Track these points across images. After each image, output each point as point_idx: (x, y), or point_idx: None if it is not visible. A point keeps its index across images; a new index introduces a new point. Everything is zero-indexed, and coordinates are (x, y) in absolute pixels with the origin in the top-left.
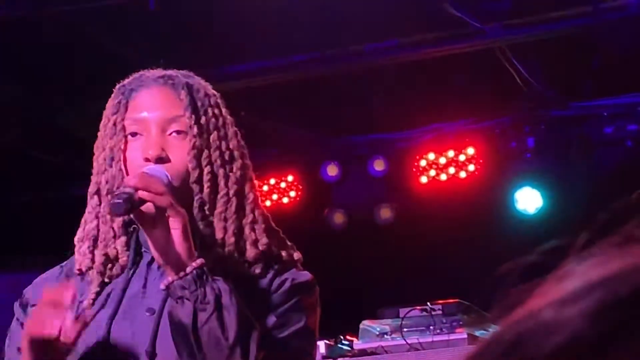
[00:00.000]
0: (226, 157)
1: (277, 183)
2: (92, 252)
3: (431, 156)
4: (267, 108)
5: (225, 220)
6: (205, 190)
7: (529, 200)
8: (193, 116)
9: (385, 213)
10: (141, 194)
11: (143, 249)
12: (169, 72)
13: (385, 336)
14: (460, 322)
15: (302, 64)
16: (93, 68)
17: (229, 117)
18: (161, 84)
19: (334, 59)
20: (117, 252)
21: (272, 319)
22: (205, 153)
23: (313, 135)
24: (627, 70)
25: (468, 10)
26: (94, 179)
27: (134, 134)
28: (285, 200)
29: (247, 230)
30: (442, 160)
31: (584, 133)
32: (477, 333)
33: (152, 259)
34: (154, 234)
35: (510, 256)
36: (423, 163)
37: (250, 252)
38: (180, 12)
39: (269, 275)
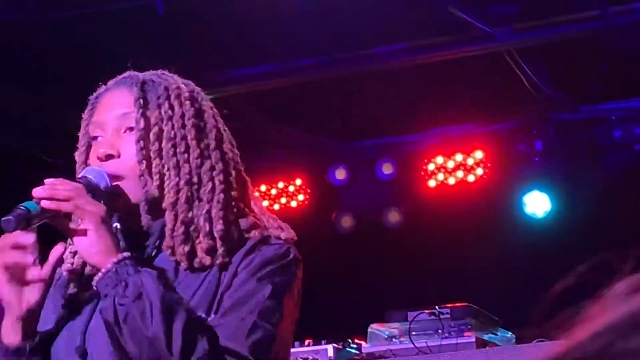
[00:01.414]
0: (181, 148)
1: (286, 187)
2: (73, 257)
3: (439, 160)
4: (275, 112)
5: (175, 210)
6: (155, 182)
7: (537, 203)
8: (140, 110)
9: (393, 217)
10: (44, 203)
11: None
12: (131, 72)
13: (393, 340)
14: (469, 326)
15: (310, 67)
16: (99, 71)
17: (196, 109)
18: (120, 84)
19: (342, 63)
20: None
21: (227, 302)
22: (156, 145)
23: (321, 139)
24: (635, 74)
25: (476, 13)
26: None
27: (95, 138)
28: (293, 203)
29: (201, 220)
30: (450, 164)
31: (592, 137)
32: (485, 337)
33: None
34: (74, 238)
35: (518, 260)
36: (431, 167)
37: (204, 244)
38: (188, 17)
39: (235, 261)
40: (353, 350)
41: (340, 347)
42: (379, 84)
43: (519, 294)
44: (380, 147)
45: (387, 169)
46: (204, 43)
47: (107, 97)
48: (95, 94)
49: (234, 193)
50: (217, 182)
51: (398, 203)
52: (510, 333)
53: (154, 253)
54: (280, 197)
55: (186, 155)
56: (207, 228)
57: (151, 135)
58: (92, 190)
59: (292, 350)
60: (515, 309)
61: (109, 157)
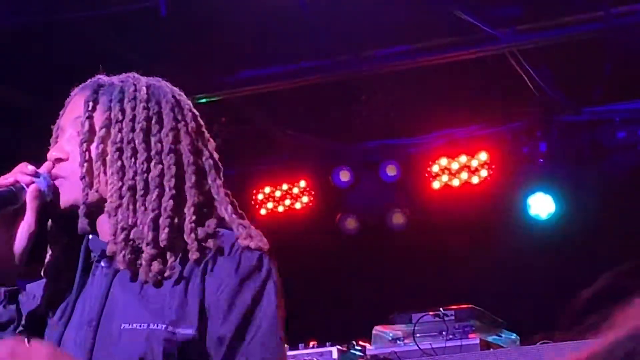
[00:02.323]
0: (127, 153)
1: (290, 188)
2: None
3: (443, 162)
4: (279, 114)
5: (117, 216)
6: (95, 186)
7: (541, 205)
8: (87, 113)
9: (398, 218)
10: None
11: (93, 256)
12: (96, 77)
13: (398, 342)
14: (473, 328)
15: (314, 69)
16: (104, 73)
17: (152, 112)
18: (83, 88)
19: (347, 65)
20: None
21: (225, 333)
22: (100, 148)
23: (325, 141)
24: (639, 75)
25: (480, 15)
26: None
27: (56, 139)
28: (297, 205)
29: (145, 228)
30: (455, 166)
31: (596, 138)
32: (489, 338)
33: (97, 266)
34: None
35: (522, 261)
36: (435, 168)
37: (147, 253)
38: (192, 19)
39: (195, 274)
40: (357, 352)
41: (345, 349)
42: (382, 86)
43: (523, 296)
44: (384, 149)
45: (391, 170)
46: (207, 45)
47: (72, 101)
48: (68, 99)
49: (193, 199)
50: (166, 189)
51: (402, 205)
52: (514, 335)
53: (97, 260)
54: (284, 198)
55: (133, 160)
56: (151, 236)
57: (96, 139)
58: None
59: (297, 352)
60: (520, 311)
61: (58, 160)
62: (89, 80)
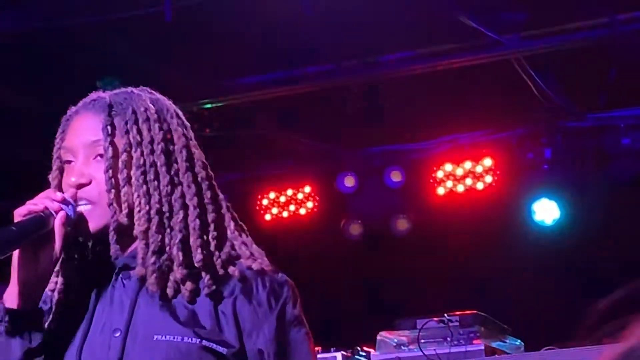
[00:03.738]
0: (150, 176)
1: (294, 194)
2: (57, 276)
3: (448, 167)
4: (284, 119)
5: (146, 239)
6: (123, 211)
7: (546, 211)
8: (108, 138)
9: (402, 224)
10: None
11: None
12: (99, 94)
13: (402, 347)
14: (478, 334)
15: (319, 75)
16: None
17: (164, 132)
18: (89, 108)
19: (351, 71)
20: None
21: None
22: (124, 173)
23: (330, 147)
24: None
25: (485, 21)
26: None
27: (68, 162)
28: (302, 211)
29: (174, 250)
30: (459, 172)
31: (601, 144)
32: (494, 344)
33: (117, 278)
34: None
35: (527, 267)
36: (440, 174)
37: (178, 274)
38: (197, 24)
39: (227, 295)
40: (362, 358)
41: (349, 354)
42: (387, 91)
43: (528, 302)
44: (389, 155)
45: (395, 176)
46: (212, 51)
47: (76, 121)
48: (66, 116)
49: (210, 216)
50: (190, 208)
51: (406, 211)
52: (519, 341)
53: (124, 282)
54: (289, 204)
55: (156, 182)
56: (181, 257)
57: (120, 163)
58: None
59: None
60: (524, 317)
61: (81, 185)
62: (90, 99)
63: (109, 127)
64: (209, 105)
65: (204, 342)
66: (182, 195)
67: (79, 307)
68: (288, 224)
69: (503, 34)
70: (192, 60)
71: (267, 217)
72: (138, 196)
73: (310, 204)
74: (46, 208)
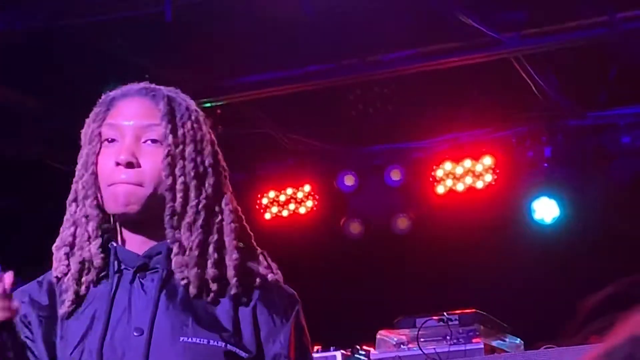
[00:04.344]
0: (200, 171)
1: (294, 193)
2: (67, 258)
3: (448, 166)
4: (283, 118)
5: (191, 231)
6: (178, 199)
7: (546, 210)
8: (169, 126)
9: (402, 223)
10: None
11: (123, 267)
12: (152, 85)
13: (402, 346)
14: (477, 332)
15: (319, 74)
16: (109, 78)
17: (209, 135)
18: (142, 94)
19: (351, 69)
20: (91, 254)
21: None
22: (180, 164)
23: (329, 146)
24: None
25: (485, 20)
26: (73, 186)
27: (110, 140)
28: (302, 210)
29: (210, 248)
30: (459, 170)
31: (601, 143)
32: (493, 343)
33: (134, 277)
34: None
35: (526, 266)
36: (440, 173)
37: (211, 272)
38: (197, 23)
39: (249, 302)
40: (361, 357)
41: (349, 353)
42: (387, 90)
43: (528, 300)
44: (389, 154)
45: (395, 175)
46: (212, 50)
47: (126, 102)
48: (109, 96)
49: (240, 223)
50: (226, 212)
51: (406, 209)
52: (518, 339)
53: (164, 274)
54: (289, 203)
55: (204, 179)
56: (216, 256)
57: (177, 152)
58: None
59: None
60: (524, 315)
61: (130, 165)
62: (143, 87)
63: (169, 116)
64: (208, 105)
65: (229, 347)
66: (223, 197)
67: (89, 305)
68: (288, 223)
69: (503, 32)
70: (191, 60)
71: (267, 216)
72: (189, 189)
73: (310, 203)
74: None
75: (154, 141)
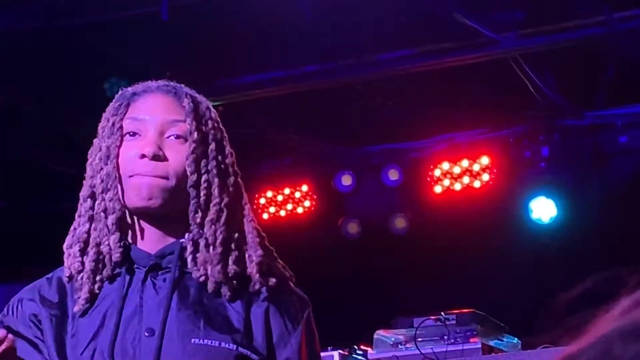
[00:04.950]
0: (222, 169)
1: (292, 193)
2: (82, 255)
3: (445, 166)
4: (281, 118)
5: (215, 228)
6: (202, 196)
7: (543, 209)
8: (194, 123)
9: (400, 223)
10: None
11: (135, 266)
12: (172, 82)
13: (399, 346)
14: (475, 332)
15: (316, 74)
16: (106, 79)
17: (225, 134)
18: (164, 91)
19: (348, 69)
20: (110, 248)
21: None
22: (204, 161)
23: (327, 145)
24: None
25: (482, 20)
26: (87, 182)
27: (132, 134)
28: (299, 210)
29: (233, 245)
30: (457, 170)
31: (598, 142)
32: (491, 343)
33: (146, 277)
34: None
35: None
36: (437, 173)
37: (231, 269)
38: (194, 24)
39: (251, 294)
40: (359, 357)
41: (346, 353)
42: (384, 90)
43: (525, 300)
44: (386, 153)
45: (393, 175)
46: (209, 50)
47: (149, 98)
48: (128, 91)
49: (256, 222)
50: (247, 210)
51: (404, 209)
52: (516, 339)
53: (176, 274)
54: (286, 203)
55: (225, 179)
56: (238, 253)
57: (201, 150)
58: None
59: None
60: (521, 315)
61: (157, 157)
62: (164, 83)
63: (194, 114)
64: None
65: (240, 349)
66: (241, 197)
67: (101, 303)
68: (285, 222)
69: (500, 32)
70: (188, 60)
71: (265, 216)
72: (212, 186)
73: (307, 203)
74: None
75: (177, 137)
